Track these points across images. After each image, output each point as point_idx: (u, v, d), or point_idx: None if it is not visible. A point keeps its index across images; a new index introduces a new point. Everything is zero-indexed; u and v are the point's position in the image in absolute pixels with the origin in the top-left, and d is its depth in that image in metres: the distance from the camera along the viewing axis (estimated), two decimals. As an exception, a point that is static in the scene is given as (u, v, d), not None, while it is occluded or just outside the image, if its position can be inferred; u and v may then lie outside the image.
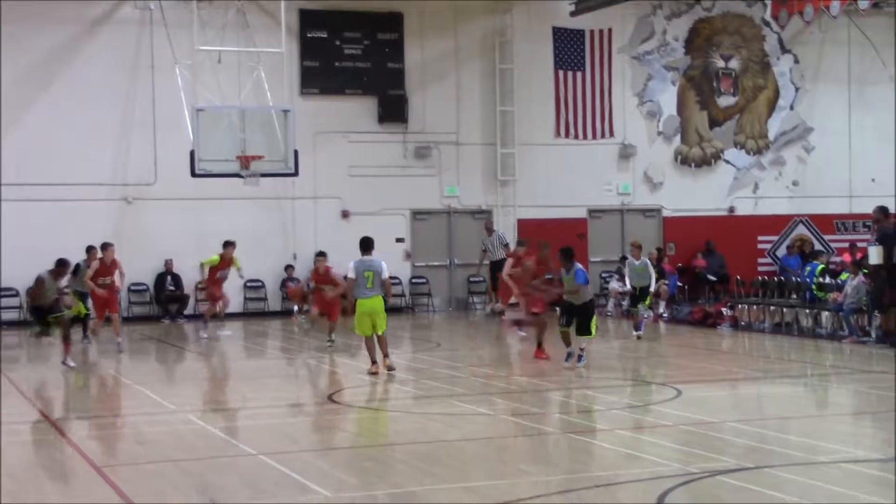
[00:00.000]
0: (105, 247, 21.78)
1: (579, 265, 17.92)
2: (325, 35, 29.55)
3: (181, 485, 10.46)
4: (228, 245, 24.02)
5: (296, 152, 25.61)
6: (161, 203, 27.65)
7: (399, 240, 30.36)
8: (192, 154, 25.14)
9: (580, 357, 17.65)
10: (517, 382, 17.77)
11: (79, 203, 26.54)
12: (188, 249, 27.59)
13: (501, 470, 11.13)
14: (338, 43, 29.69)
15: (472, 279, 30.92)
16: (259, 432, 13.13)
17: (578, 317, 17.54)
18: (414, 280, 30.55)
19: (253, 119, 25.31)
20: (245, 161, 25.08)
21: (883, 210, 22.38)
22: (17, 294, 27.08)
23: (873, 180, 33.24)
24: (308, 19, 29.10)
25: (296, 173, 26.03)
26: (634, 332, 22.72)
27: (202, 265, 24.15)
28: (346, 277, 18.36)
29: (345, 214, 29.47)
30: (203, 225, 27.56)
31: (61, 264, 18.92)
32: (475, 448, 12.18)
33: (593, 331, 17.95)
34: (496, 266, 28.02)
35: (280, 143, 25.23)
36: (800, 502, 9.27)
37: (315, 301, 22.38)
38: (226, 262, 23.78)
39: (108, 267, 21.45)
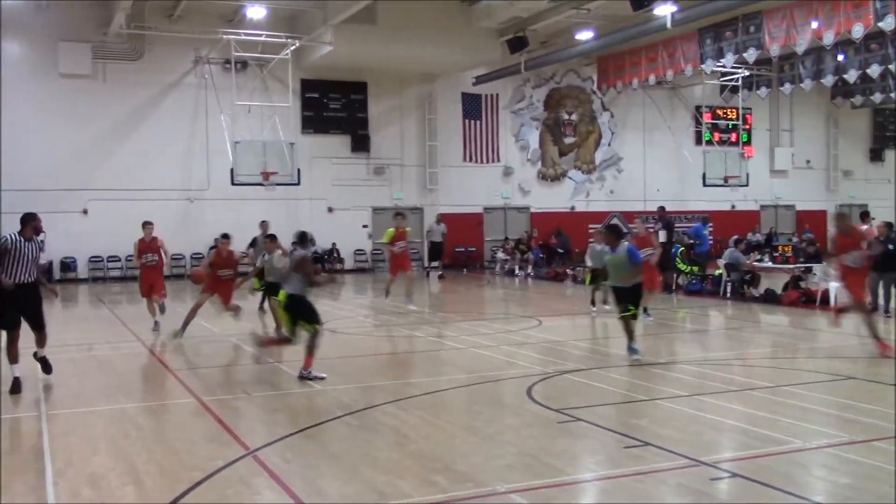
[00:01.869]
0: (145, 224, 15.09)
1: (627, 242, 11.56)
2: (317, 95, 29.21)
3: (226, 384, 10.45)
4: (397, 216, 18.64)
5: (298, 170, 25.54)
6: (212, 202, 27.30)
7: (364, 226, 30.24)
8: (231, 171, 24.97)
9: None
10: (439, 317, 17.83)
11: (159, 201, 26.08)
12: (229, 231, 27.15)
13: (429, 371, 11.25)
14: (325, 101, 29.38)
15: (410, 251, 30.84)
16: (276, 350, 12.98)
17: (632, 299, 11.13)
18: (374, 252, 30.41)
19: (271, 148, 25.16)
20: (266, 175, 24.96)
21: (662, 208, 22.89)
22: (119, 259, 26.65)
23: (658, 190, 33.79)
24: (307, 85, 28.76)
25: (298, 183, 26.01)
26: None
27: (383, 244, 18.93)
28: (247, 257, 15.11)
29: (330, 209, 29.25)
30: (239, 216, 26.98)
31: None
32: (413, 357, 12.28)
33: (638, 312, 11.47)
34: (435, 245, 28.04)
35: (288, 164, 25.12)
36: (614, 390, 9.51)
37: (209, 284, 13.74)
38: (400, 233, 18.03)
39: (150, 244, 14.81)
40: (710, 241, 25.86)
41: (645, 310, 14.44)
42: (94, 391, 9.78)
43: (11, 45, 25.58)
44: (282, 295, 10.08)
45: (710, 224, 26.32)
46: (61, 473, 6.56)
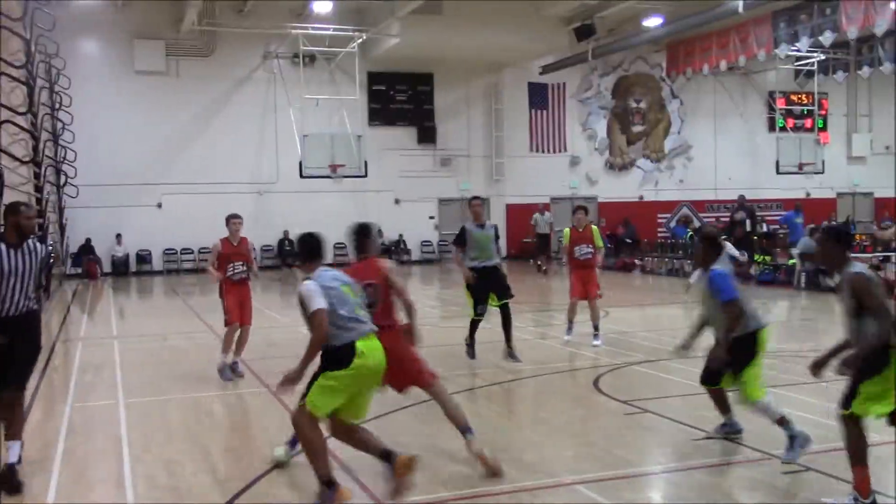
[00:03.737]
0: (230, 218, 10.19)
1: (719, 267, 6.50)
2: (383, 87, 29.42)
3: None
4: (579, 210, 11.97)
5: (366, 162, 25.76)
6: (281, 194, 27.68)
7: (431, 217, 30.39)
8: (300, 163, 25.32)
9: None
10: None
11: (230, 194, 26.43)
12: (299, 223, 27.45)
13: (496, 362, 11.18)
14: (392, 93, 29.59)
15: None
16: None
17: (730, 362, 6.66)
18: (440, 242, 30.53)
19: (338, 141, 25.46)
20: (333, 168, 25.26)
21: (742, 197, 22.55)
22: (192, 251, 27.24)
23: (729, 178, 33.12)
24: (373, 78, 28.98)
25: (366, 175, 26.24)
26: None
27: (564, 246, 12.51)
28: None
29: (397, 201, 29.44)
30: (307, 208, 27.40)
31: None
32: (480, 348, 12.17)
33: (755, 389, 6.50)
34: (542, 236, 26.81)
35: (356, 156, 25.39)
36: (683, 381, 9.36)
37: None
38: (580, 234, 11.85)
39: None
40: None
41: None
42: (170, 380, 10.02)
43: (89, 43, 26.34)
44: None
45: (801, 210, 23.43)
46: (138, 459, 6.76)
